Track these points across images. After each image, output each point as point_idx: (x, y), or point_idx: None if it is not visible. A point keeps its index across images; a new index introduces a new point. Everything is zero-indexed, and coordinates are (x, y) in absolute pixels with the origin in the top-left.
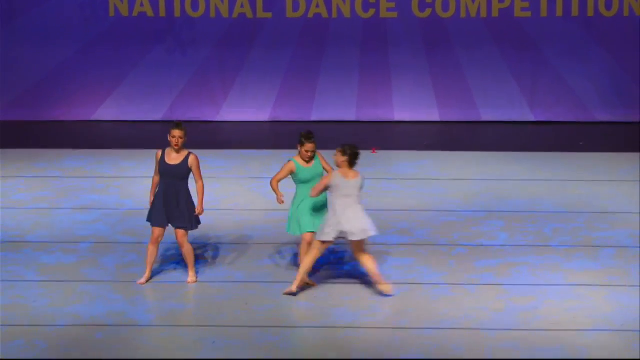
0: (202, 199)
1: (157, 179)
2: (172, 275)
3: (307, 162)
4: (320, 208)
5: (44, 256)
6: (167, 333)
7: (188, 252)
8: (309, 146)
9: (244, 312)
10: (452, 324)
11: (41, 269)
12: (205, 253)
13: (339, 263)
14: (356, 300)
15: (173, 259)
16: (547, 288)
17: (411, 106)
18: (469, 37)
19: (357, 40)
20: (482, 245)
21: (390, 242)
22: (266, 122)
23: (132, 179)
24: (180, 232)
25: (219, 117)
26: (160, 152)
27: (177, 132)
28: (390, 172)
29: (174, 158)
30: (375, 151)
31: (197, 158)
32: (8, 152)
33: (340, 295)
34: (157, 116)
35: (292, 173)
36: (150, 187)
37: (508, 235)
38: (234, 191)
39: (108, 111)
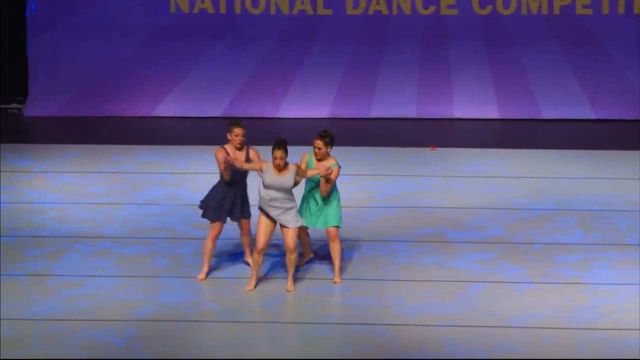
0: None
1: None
2: (230, 270)
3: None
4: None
5: (122, 249)
6: (226, 328)
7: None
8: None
9: (302, 307)
10: (541, 320)
11: (119, 260)
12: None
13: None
14: (442, 295)
15: (227, 255)
16: (629, 284)
17: (471, 103)
18: (530, 35)
19: (417, 37)
20: (559, 242)
21: (466, 238)
22: (326, 118)
23: (199, 174)
24: (247, 221)
25: (279, 114)
26: (222, 150)
27: (239, 130)
28: (450, 170)
29: (238, 155)
30: (435, 148)
31: (256, 150)
32: (71, 147)
33: (421, 292)
34: (217, 112)
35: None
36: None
37: (583, 232)
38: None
39: (168, 107)
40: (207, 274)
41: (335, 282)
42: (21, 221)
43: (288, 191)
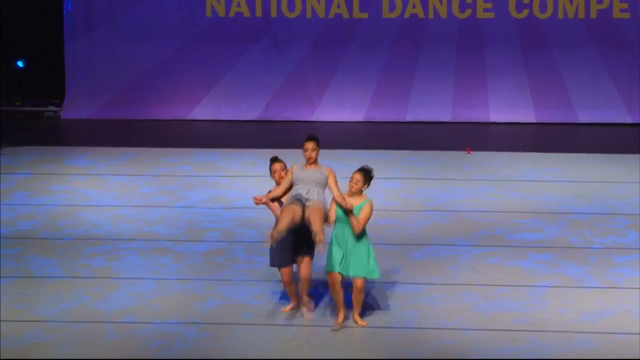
0: None
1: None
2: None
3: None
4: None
5: (176, 247)
6: (260, 330)
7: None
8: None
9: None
10: (612, 320)
11: (175, 258)
12: None
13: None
14: (511, 295)
15: None
16: None
17: (507, 107)
18: (567, 38)
19: (453, 41)
20: (615, 243)
21: (525, 240)
22: (361, 122)
23: (249, 177)
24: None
25: (314, 117)
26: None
27: (277, 166)
28: (486, 174)
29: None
30: (470, 152)
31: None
32: (123, 150)
33: (492, 292)
34: (253, 116)
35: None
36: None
37: (638, 233)
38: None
39: (204, 110)
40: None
41: (359, 325)
42: (76, 221)
43: (318, 185)
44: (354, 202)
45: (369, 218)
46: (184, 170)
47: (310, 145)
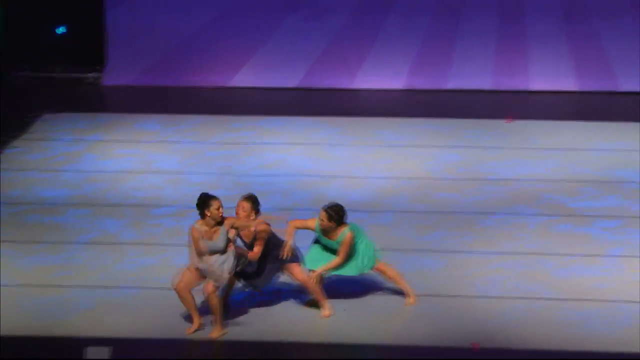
0: None
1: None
2: None
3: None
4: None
5: None
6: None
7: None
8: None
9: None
10: None
11: None
12: None
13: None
14: (587, 261)
15: None
16: None
17: (548, 76)
18: (608, 6)
19: (494, 9)
20: None
21: (588, 207)
22: (401, 90)
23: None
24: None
25: (354, 85)
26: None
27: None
28: (527, 142)
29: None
30: (511, 121)
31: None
32: (153, 117)
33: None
34: (293, 83)
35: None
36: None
37: None
38: (368, 159)
39: (244, 78)
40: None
41: (408, 304)
42: (125, 185)
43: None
44: (331, 236)
45: (347, 249)
46: (233, 137)
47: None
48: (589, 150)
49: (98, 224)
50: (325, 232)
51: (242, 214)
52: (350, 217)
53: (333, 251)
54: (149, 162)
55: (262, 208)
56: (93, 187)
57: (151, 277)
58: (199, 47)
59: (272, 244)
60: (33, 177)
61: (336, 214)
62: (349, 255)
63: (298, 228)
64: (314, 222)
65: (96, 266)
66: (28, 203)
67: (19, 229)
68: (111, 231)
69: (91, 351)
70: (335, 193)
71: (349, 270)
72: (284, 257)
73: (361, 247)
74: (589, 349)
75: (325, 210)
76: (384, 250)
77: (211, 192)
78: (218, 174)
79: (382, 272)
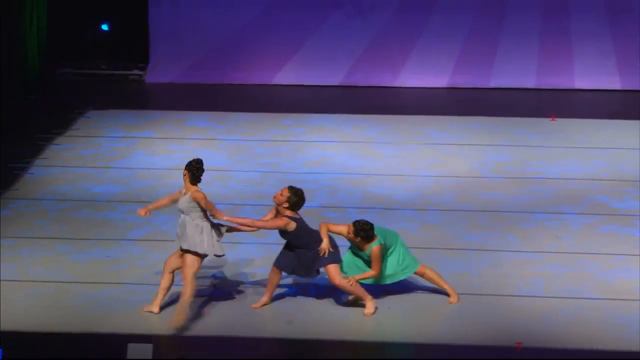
0: None
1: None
2: None
3: None
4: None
5: None
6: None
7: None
8: None
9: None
10: None
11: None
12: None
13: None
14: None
15: None
16: None
17: (592, 74)
18: None
19: (538, 6)
20: None
21: (635, 206)
22: (444, 88)
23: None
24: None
25: (397, 83)
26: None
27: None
28: (570, 141)
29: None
30: (554, 119)
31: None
32: (197, 114)
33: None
34: (335, 81)
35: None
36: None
37: None
38: (413, 157)
39: (287, 75)
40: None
41: (451, 302)
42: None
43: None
44: (360, 247)
45: (378, 263)
46: (279, 134)
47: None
48: (633, 150)
49: (148, 220)
50: (354, 242)
51: (279, 198)
52: (394, 215)
53: (366, 260)
54: (205, 157)
55: (307, 205)
56: (141, 184)
57: (199, 274)
58: (242, 45)
59: (305, 232)
60: (80, 173)
61: (362, 230)
62: (384, 266)
63: (330, 231)
64: (345, 229)
65: (146, 263)
66: (77, 199)
67: (70, 224)
68: (161, 228)
69: (133, 348)
70: (381, 191)
71: (386, 279)
72: (323, 255)
73: (396, 257)
74: (631, 349)
75: (353, 224)
76: (428, 249)
77: (257, 189)
78: (265, 171)
79: (422, 274)
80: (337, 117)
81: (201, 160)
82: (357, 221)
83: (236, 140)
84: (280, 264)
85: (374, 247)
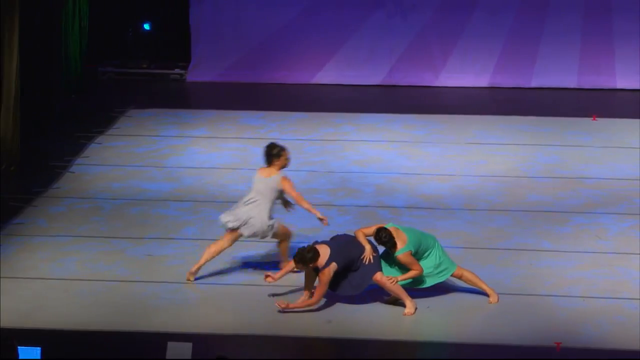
0: None
1: None
2: None
3: None
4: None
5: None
6: None
7: None
8: None
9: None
10: None
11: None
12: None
13: None
14: None
15: None
16: None
17: (634, 73)
18: None
19: (579, 6)
20: None
21: None
22: (485, 87)
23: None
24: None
25: (438, 82)
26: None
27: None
28: (613, 141)
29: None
30: (596, 118)
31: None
32: (241, 113)
33: None
34: (376, 80)
35: None
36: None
37: None
38: (453, 156)
39: (328, 75)
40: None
41: (491, 302)
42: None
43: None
44: (390, 250)
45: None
46: (327, 133)
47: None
48: None
49: (200, 217)
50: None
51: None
52: (440, 214)
53: (399, 263)
54: (245, 157)
55: (356, 203)
56: (191, 181)
57: (247, 272)
58: (282, 44)
59: (344, 257)
60: (129, 170)
61: (384, 238)
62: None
63: (366, 235)
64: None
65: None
66: (127, 196)
67: (124, 221)
68: (216, 225)
69: (173, 347)
70: (427, 190)
71: (423, 283)
72: (366, 262)
73: (433, 261)
74: None
75: (376, 234)
76: (472, 249)
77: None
78: (312, 170)
79: (459, 277)
80: (380, 117)
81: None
82: (377, 231)
83: (286, 139)
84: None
85: (399, 255)
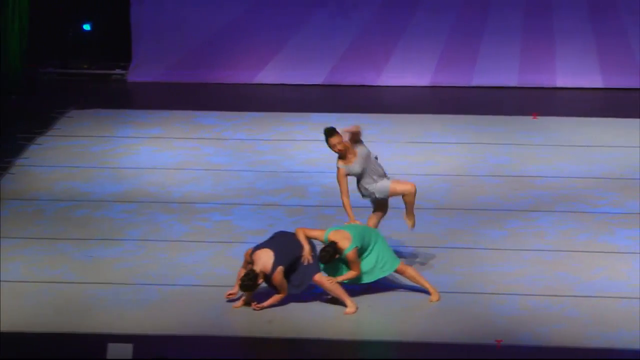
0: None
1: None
2: None
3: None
4: None
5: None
6: None
7: None
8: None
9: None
10: None
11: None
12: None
13: None
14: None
15: None
16: None
17: (574, 72)
18: (635, 1)
19: (520, 5)
20: None
21: (613, 203)
22: (427, 86)
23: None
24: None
25: (380, 82)
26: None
27: (334, 140)
28: (553, 139)
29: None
30: (536, 117)
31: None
32: (179, 113)
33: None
34: (319, 80)
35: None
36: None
37: None
38: (394, 155)
39: (270, 74)
40: None
41: (432, 301)
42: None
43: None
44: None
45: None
46: (249, 134)
47: (335, 140)
48: (613, 147)
49: (144, 219)
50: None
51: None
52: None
53: (343, 261)
54: (198, 156)
55: (302, 204)
56: (135, 182)
57: (188, 274)
58: (224, 43)
59: (289, 264)
60: (71, 171)
61: (330, 251)
62: (362, 265)
63: (307, 236)
64: (321, 234)
65: (143, 262)
66: (70, 198)
67: (68, 223)
68: (161, 226)
69: (113, 348)
70: None
71: (364, 278)
72: (306, 262)
73: (375, 256)
74: (613, 347)
75: (320, 252)
76: (410, 247)
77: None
78: (260, 170)
79: (402, 273)
80: (332, 116)
81: None
82: (321, 252)
83: (224, 140)
84: None
85: (348, 253)
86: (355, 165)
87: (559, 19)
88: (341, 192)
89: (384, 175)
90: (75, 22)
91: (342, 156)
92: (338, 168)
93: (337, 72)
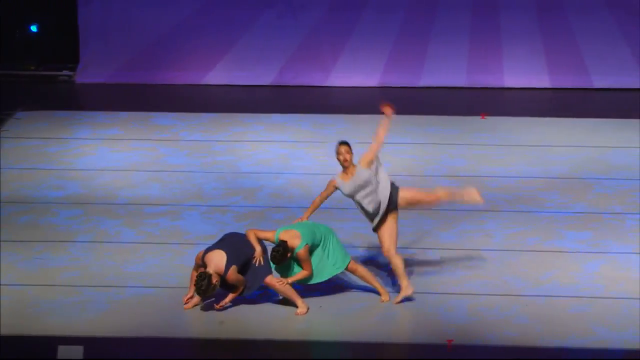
0: None
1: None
2: None
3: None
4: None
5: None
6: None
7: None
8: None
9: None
10: None
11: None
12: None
13: None
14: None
15: None
16: None
17: (522, 72)
18: (582, 2)
19: (468, 5)
20: None
21: (562, 203)
22: (375, 87)
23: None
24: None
25: (328, 82)
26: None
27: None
28: (501, 139)
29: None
30: (485, 117)
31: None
32: (128, 115)
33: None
34: (267, 81)
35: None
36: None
37: None
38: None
39: (218, 75)
40: None
41: (383, 301)
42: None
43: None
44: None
45: (310, 262)
46: (200, 135)
47: (343, 148)
48: (561, 147)
49: (92, 224)
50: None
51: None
52: (339, 214)
53: (295, 260)
54: (130, 159)
55: (252, 206)
56: (82, 185)
57: (140, 276)
58: (173, 44)
59: (243, 268)
60: (16, 173)
61: (281, 251)
62: (314, 264)
63: (257, 237)
64: (272, 235)
65: (92, 266)
66: (15, 201)
67: (13, 226)
68: (109, 231)
69: (63, 350)
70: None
71: (315, 278)
72: (257, 264)
73: (325, 253)
74: (559, 347)
75: (271, 253)
76: (359, 248)
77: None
78: (213, 172)
79: (353, 271)
80: (289, 117)
81: None
82: (272, 252)
83: (173, 141)
84: None
85: (299, 251)
86: (347, 186)
87: (506, 20)
88: (320, 194)
89: (376, 213)
90: (22, 23)
91: (344, 170)
92: (333, 177)
93: (286, 73)
